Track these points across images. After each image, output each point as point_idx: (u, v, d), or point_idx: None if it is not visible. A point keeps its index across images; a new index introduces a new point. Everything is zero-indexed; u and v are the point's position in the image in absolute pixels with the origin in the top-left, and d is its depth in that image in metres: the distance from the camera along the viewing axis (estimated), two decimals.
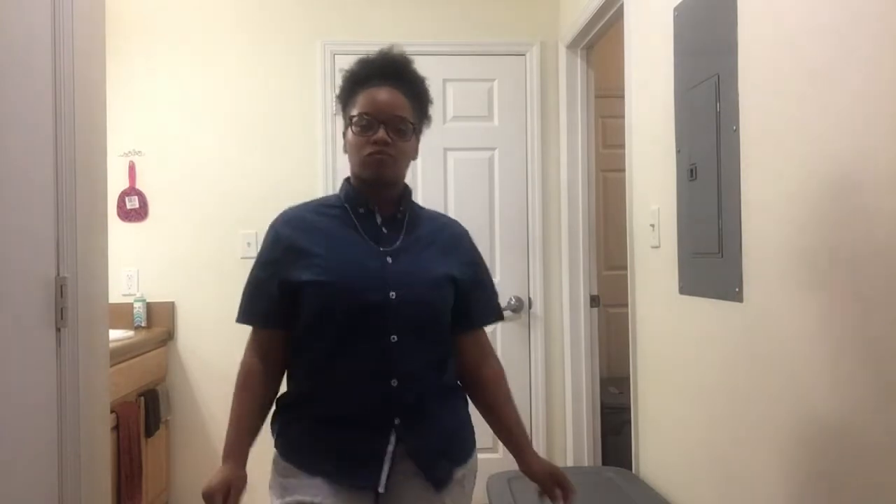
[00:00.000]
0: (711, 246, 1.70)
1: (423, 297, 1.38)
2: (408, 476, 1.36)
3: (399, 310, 1.35)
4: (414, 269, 1.39)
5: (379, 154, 1.36)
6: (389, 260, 1.38)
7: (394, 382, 1.34)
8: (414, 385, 1.37)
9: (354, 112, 1.39)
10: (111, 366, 2.07)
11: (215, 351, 3.12)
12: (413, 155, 1.46)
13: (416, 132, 1.46)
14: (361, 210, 1.42)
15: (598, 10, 2.63)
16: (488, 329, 1.54)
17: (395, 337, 1.34)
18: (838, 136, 1.22)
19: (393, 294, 1.34)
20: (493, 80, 3.26)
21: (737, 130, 1.58)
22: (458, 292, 1.43)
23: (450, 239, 1.50)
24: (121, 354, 2.56)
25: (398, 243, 1.40)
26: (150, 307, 3.14)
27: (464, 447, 1.46)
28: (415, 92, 1.44)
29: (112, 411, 2.25)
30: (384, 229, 1.41)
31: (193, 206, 3.18)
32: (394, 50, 1.45)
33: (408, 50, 1.46)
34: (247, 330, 1.42)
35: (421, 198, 1.98)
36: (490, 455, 2.17)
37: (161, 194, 3.18)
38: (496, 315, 1.55)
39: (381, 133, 1.36)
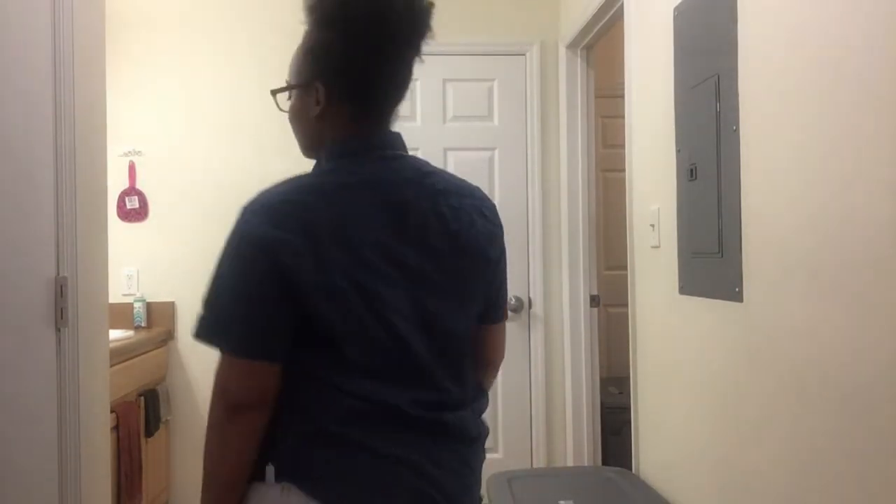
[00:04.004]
0: (711, 246, 1.70)
1: None
2: None
3: None
4: None
5: None
6: None
7: None
8: None
9: None
10: (111, 366, 2.07)
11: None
12: (300, 117, 1.12)
13: (300, 89, 1.09)
14: None
15: (598, 10, 2.63)
16: None
17: None
18: (838, 135, 1.22)
19: None
20: (493, 79, 3.26)
21: (737, 130, 1.57)
22: None
23: None
24: (121, 354, 2.56)
25: None
26: (150, 307, 3.14)
27: None
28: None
29: (112, 411, 2.25)
30: None
31: (193, 206, 3.18)
32: None
33: None
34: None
35: None
36: (490, 455, 2.16)
37: (161, 194, 3.18)
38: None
39: None
